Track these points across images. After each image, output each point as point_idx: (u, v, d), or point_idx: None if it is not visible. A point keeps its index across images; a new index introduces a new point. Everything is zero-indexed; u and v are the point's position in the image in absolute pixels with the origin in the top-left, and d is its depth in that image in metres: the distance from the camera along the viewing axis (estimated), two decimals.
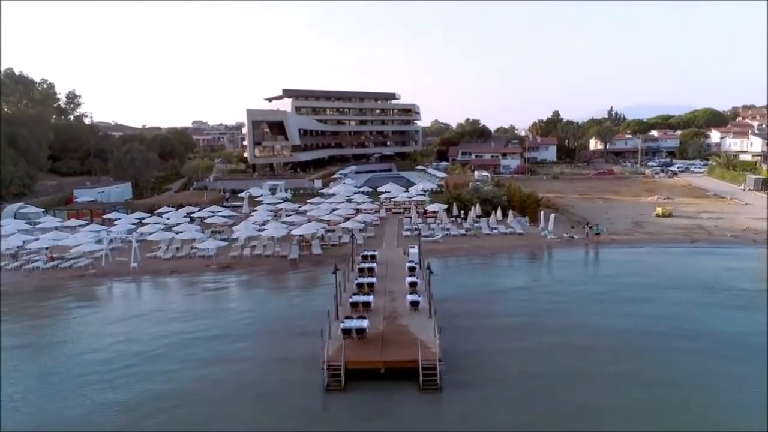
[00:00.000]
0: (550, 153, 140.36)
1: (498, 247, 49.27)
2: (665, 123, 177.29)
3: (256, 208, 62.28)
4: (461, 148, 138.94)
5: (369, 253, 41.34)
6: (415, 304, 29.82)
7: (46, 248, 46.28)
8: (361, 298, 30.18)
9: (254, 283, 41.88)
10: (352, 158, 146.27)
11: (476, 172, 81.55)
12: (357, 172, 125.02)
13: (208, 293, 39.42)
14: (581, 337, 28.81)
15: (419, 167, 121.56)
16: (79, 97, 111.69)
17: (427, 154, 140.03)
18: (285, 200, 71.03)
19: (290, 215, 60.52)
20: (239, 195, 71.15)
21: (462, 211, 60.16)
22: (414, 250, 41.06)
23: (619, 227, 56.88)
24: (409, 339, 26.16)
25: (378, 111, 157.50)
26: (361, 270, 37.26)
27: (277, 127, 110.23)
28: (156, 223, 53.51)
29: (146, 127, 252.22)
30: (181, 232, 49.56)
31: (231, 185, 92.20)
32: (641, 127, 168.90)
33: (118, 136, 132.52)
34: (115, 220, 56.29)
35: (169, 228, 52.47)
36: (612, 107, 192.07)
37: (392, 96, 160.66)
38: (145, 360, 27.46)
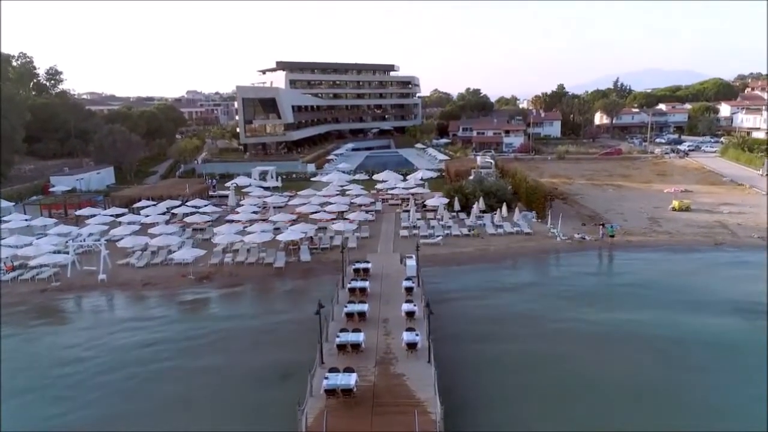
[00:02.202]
0: (554, 129, 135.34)
1: (504, 252, 44.94)
2: (673, 95, 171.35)
3: (243, 201, 57.95)
4: (462, 124, 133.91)
5: (361, 266, 37.07)
6: (412, 346, 25.71)
7: (7, 257, 42.03)
8: (351, 338, 26.07)
9: (233, 299, 37.79)
10: (349, 133, 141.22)
11: (479, 158, 76.73)
12: (354, 149, 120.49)
13: (178, 314, 35.48)
14: (605, 387, 24.89)
15: (419, 145, 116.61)
16: (61, 73, 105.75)
17: (427, 131, 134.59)
18: (275, 189, 66.65)
19: (280, 208, 56.45)
20: (226, 185, 66.56)
21: (465, 201, 55.86)
22: (412, 263, 36.74)
23: (634, 224, 52.64)
24: (405, 398, 22.20)
25: (376, 84, 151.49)
26: (352, 290, 33.15)
27: (270, 105, 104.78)
28: (131, 223, 49.26)
29: (140, 97, 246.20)
30: (157, 235, 45.11)
31: (220, 168, 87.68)
32: (648, 100, 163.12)
33: (106, 111, 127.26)
34: (89, 217, 51.93)
35: (145, 228, 48.15)
36: (618, 78, 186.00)
37: (391, 68, 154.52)
38: (75, 409, 24.28)
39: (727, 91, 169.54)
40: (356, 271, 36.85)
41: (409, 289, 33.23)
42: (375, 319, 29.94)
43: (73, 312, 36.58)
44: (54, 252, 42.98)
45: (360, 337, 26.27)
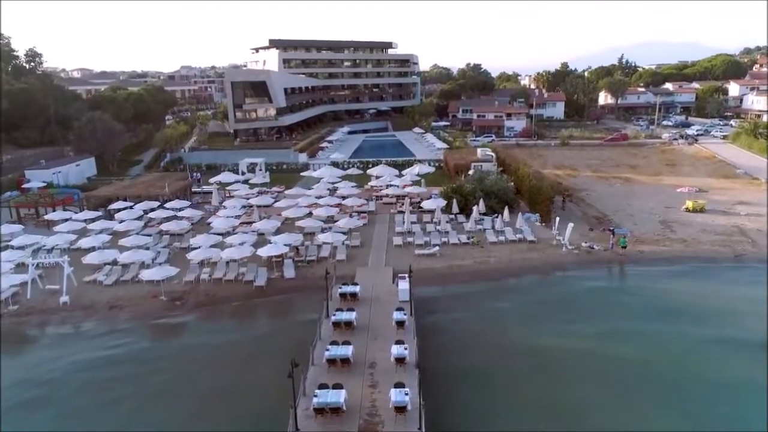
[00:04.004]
0: (557, 110, 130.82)
1: (505, 266, 41.13)
2: (680, 73, 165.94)
3: (226, 203, 54.07)
4: (462, 105, 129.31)
5: (348, 291, 33.58)
6: (401, 409, 22.28)
7: None
8: (330, 399, 22.60)
9: (207, 326, 34.24)
10: (345, 114, 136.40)
11: (479, 150, 72.51)
12: (350, 132, 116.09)
13: (143, 345, 32.05)
14: None
15: (417, 130, 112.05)
16: (41, 55, 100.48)
17: (426, 112, 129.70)
18: (262, 186, 62.69)
19: (266, 207, 52.82)
20: (210, 181, 62.53)
21: (464, 202, 52.09)
22: (405, 285, 33.17)
23: (646, 228, 48.96)
24: None
25: (373, 62, 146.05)
26: (336, 324, 29.71)
27: (261, 88, 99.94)
28: (102, 231, 45.59)
29: (134, 72, 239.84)
30: (129, 248, 41.39)
31: (208, 157, 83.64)
32: (654, 79, 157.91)
33: (93, 91, 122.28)
34: (59, 221, 48.19)
35: (117, 236, 44.46)
36: (623, 55, 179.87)
37: (388, 45, 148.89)
38: None
39: (735, 68, 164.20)
40: (342, 296, 33.41)
41: (400, 323, 29.79)
42: (361, 363, 26.61)
43: (29, 342, 33.22)
44: (16, 266, 39.58)
45: (341, 396, 22.82)
